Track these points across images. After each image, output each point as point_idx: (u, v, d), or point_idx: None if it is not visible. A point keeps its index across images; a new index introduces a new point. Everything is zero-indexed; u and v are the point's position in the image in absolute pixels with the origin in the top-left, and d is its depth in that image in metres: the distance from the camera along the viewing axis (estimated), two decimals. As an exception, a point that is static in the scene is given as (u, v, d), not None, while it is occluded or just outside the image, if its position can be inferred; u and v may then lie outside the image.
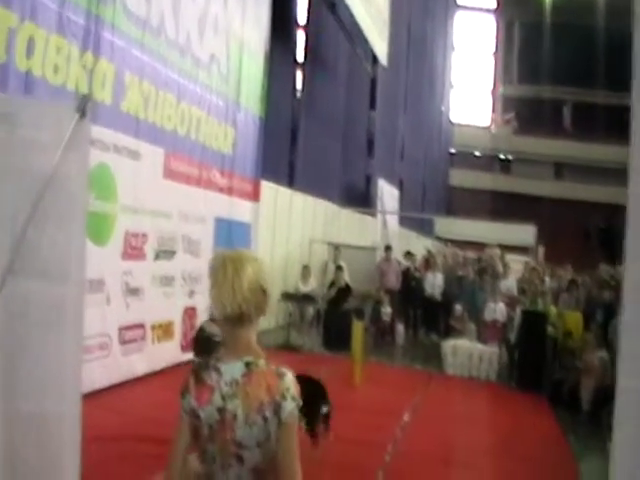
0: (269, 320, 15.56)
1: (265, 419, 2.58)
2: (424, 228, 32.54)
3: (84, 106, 2.77)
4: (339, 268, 15.90)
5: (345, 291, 15.51)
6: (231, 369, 2.66)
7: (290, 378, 2.67)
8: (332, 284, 15.74)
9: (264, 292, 2.71)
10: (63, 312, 2.79)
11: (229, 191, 13.36)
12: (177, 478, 2.70)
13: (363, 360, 11.89)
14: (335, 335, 14.34)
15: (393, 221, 25.27)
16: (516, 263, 19.01)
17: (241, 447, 2.60)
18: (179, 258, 11.64)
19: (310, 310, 15.43)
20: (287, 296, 15.18)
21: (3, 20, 7.39)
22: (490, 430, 10.21)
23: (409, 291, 17.36)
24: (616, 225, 39.76)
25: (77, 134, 2.73)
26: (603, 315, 13.05)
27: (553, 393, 11.81)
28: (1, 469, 2.50)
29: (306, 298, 15.21)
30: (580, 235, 40.13)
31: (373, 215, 23.77)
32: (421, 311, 17.50)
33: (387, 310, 16.38)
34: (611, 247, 30.80)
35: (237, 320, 2.66)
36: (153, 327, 10.93)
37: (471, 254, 20.92)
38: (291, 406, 2.60)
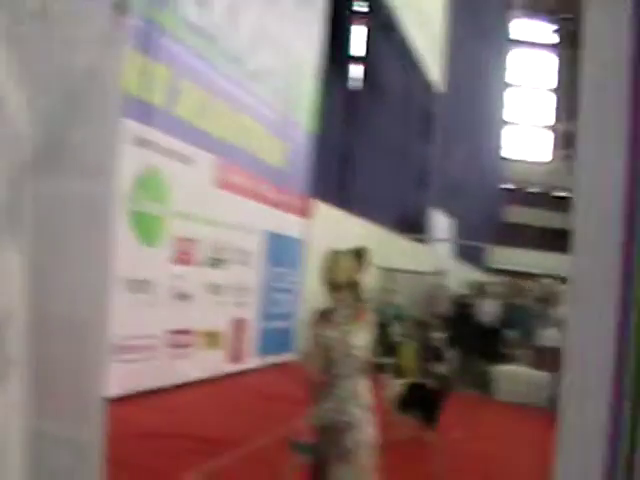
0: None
1: None
2: (478, 260, 32.05)
3: (122, 1, 2.67)
4: (389, 291, 15.65)
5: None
6: None
7: None
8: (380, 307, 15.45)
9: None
10: (98, 211, 2.68)
11: (281, 205, 13.30)
12: None
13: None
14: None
15: (446, 251, 24.96)
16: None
17: None
18: (229, 268, 11.55)
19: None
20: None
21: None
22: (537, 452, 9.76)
23: (462, 318, 16.93)
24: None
25: (114, 30, 2.63)
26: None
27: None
28: (33, 372, 2.38)
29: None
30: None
31: (426, 243, 23.47)
32: (475, 338, 17.02)
33: (438, 335, 15.96)
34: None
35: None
36: (201, 334, 10.82)
37: (527, 285, 20.40)
38: None
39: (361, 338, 4.09)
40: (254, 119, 12.21)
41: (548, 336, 14.08)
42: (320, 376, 4.65)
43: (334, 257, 4.14)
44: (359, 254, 4.11)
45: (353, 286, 4.12)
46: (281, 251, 13.37)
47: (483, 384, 13.95)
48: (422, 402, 8.32)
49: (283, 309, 13.78)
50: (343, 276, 4.07)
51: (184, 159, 10.07)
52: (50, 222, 2.60)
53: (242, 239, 11.93)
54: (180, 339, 10.23)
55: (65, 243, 2.63)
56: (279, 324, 13.61)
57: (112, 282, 2.77)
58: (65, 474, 2.75)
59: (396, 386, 8.72)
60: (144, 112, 8.94)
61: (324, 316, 4.19)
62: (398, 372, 10.64)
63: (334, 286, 4.09)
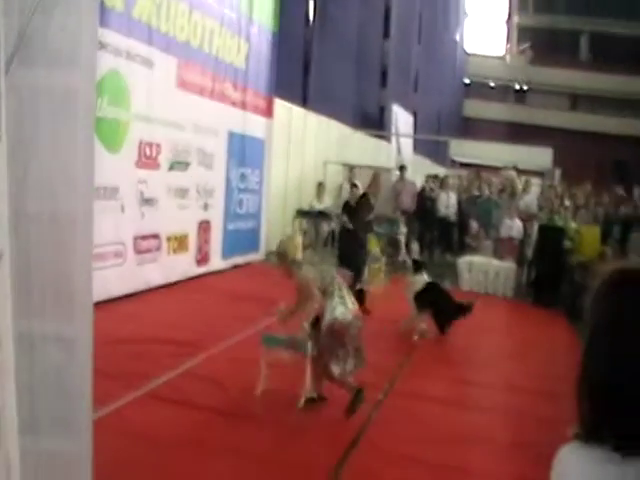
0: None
1: None
2: (438, 155, 32.04)
3: None
4: (354, 186, 15.60)
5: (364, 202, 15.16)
6: None
7: None
8: (347, 203, 15.47)
9: None
10: (74, 101, 2.59)
11: (242, 105, 13.06)
12: None
13: (380, 270, 11.76)
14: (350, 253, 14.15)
15: (407, 147, 24.88)
16: (534, 185, 18.71)
17: None
18: (193, 170, 11.41)
19: (325, 228, 15.23)
20: (301, 213, 15.01)
21: None
22: (508, 338, 10.12)
23: (424, 212, 17.12)
24: (628, 158, 39.29)
25: None
26: (620, 230, 12.82)
27: (570, 307, 11.68)
28: (15, 271, 2.33)
29: (321, 215, 15.01)
30: (594, 165, 39.53)
31: (387, 140, 23.37)
32: (436, 231, 17.30)
33: (402, 230, 16.15)
34: (626, 179, 30.34)
35: None
36: (168, 238, 10.78)
37: (487, 175, 20.60)
38: None
39: None
40: (215, 19, 11.82)
41: (508, 226, 14.33)
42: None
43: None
44: None
45: None
46: (244, 151, 13.21)
47: (448, 275, 14.22)
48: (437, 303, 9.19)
49: (248, 209, 13.74)
50: None
51: (144, 61, 9.76)
52: (26, 113, 2.50)
53: (205, 141, 11.74)
54: (147, 244, 10.18)
55: (42, 135, 2.54)
56: (244, 225, 13.60)
57: (93, 174, 2.70)
58: (56, 372, 2.76)
59: (417, 284, 9.08)
60: (101, 15, 8.58)
61: None
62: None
63: None
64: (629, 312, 1.50)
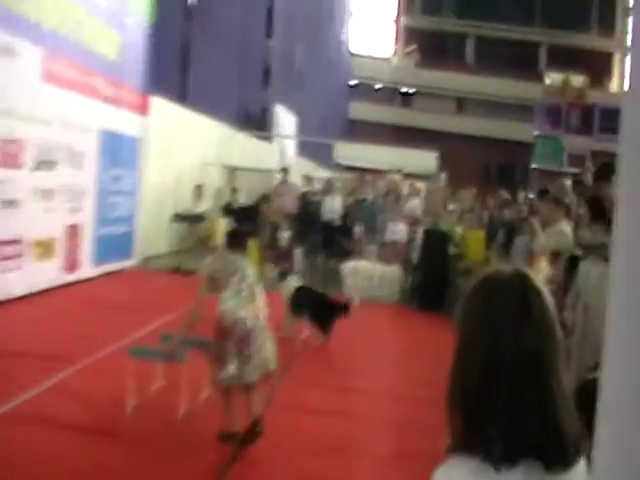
0: (159, 244, 15.20)
1: None
2: (323, 157, 32.34)
3: None
4: (234, 190, 15.56)
5: (247, 211, 15.14)
6: None
7: None
8: (228, 205, 15.39)
9: None
10: None
11: (115, 102, 12.74)
12: None
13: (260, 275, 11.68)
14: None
15: (291, 150, 25.00)
16: (419, 189, 19.14)
17: None
18: (61, 170, 11.01)
19: (202, 232, 15.05)
20: (179, 217, 14.78)
21: None
22: (392, 344, 10.26)
23: (307, 215, 17.18)
24: (513, 162, 41.05)
25: None
26: (505, 234, 13.25)
27: (454, 311, 11.97)
28: None
29: (199, 219, 14.82)
30: (480, 169, 40.93)
31: (270, 141, 23.39)
32: (320, 236, 17.38)
33: (284, 235, 16.14)
34: (509, 183, 31.52)
35: None
36: (32, 244, 10.34)
37: (371, 179, 20.90)
38: None
39: None
40: (86, 8, 11.46)
41: (393, 231, 14.58)
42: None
43: None
44: None
45: None
46: (116, 151, 12.89)
47: (332, 281, 14.30)
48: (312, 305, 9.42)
49: (121, 213, 13.41)
50: None
51: (6, 51, 9.34)
52: None
53: (74, 138, 11.36)
54: (9, 250, 9.74)
55: None
56: (117, 229, 13.26)
57: None
58: None
59: (286, 290, 9.18)
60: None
61: None
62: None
63: None
64: (494, 314, 1.53)
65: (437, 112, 44.42)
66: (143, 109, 13.91)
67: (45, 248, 10.72)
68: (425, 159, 23.40)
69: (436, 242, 13.19)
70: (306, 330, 9.42)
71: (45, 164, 10.54)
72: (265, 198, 15.62)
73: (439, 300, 12.78)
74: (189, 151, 17.23)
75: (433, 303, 12.74)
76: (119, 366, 6.36)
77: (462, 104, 46.36)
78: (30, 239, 10.24)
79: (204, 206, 15.37)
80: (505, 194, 15.38)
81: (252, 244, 12.03)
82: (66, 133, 11.09)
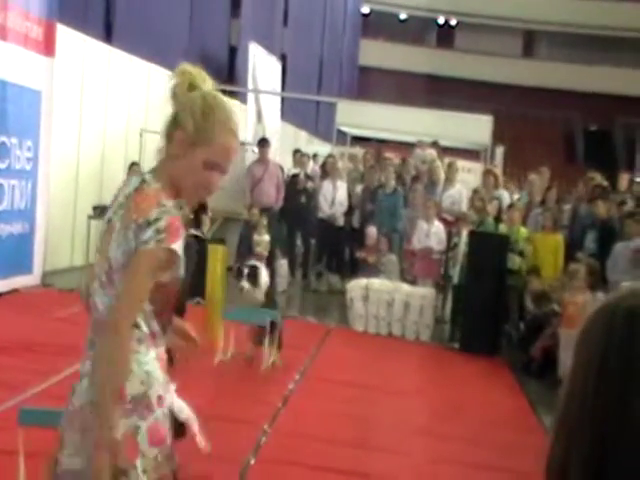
0: (72, 253, 15.05)
1: (127, 239, 3.35)
2: (320, 124, 32.16)
3: None
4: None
5: (198, 204, 15.01)
6: (133, 182, 3.56)
7: (168, 215, 3.36)
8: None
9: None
10: None
11: (3, 35, 12.59)
12: None
13: (223, 306, 11.56)
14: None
15: (273, 112, 24.88)
16: (464, 171, 19.08)
17: (110, 268, 3.43)
18: None
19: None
20: (103, 212, 14.58)
21: None
22: (422, 404, 10.11)
23: (297, 210, 17.08)
24: (612, 130, 40.43)
25: None
26: (597, 238, 13.10)
27: (517, 356, 11.80)
28: None
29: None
30: (558, 140, 40.85)
31: (241, 100, 23.27)
32: (316, 240, 17.29)
33: (263, 239, 16.04)
34: (605, 160, 31.27)
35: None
36: None
37: (393, 156, 20.79)
38: (150, 236, 3.29)
39: None
40: None
41: (425, 233, 14.44)
42: None
43: None
44: None
45: None
46: (5, 110, 12.75)
47: (331, 308, 14.21)
48: None
49: (13, 204, 13.25)
50: None
51: None
52: None
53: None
54: None
55: None
56: (6, 229, 13.11)
57: None
58: None
59: None
60: None
61: None
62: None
63: None
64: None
65: (493, 54, 44.19)
66: (47, 46, 13.75)
67: None
68: (473, 126, 23.22)
69: (489, 250, 13.03)
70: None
71: None
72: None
73: (493, 338, 12.64)
74: (119, 112, 17.09)
75: (484, 343, 12.58)
76: (5, 435, 6.27)
77: (532, 40, 46.16)
78: None
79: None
80: (598, 177, 15.24)
81: (217, 250, 11.93)
82: None
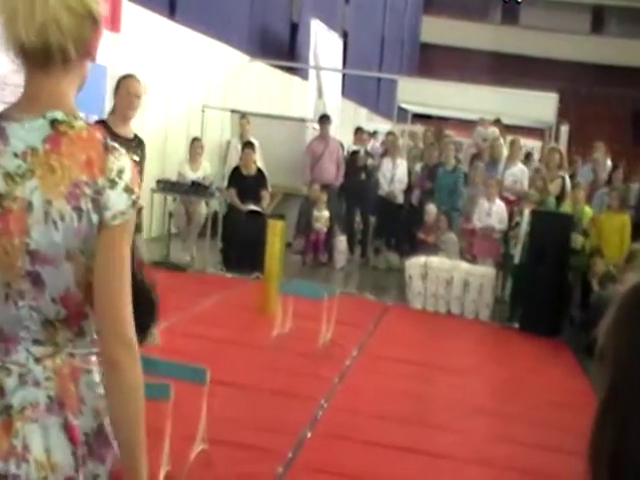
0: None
1: (80, 212, 2.36)
2: (380, 102, 32.03)
3: None
4: (248, 146, 15.41)
5: (258, 180, 15.04)
6: (26, 131, 2.40)
7: (127, 158, 2.48)
8: (236, 170, 15.27)
9: (91, 15, 2.44)
10: None
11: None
12: None
13: (281, 281, 11.58)
14: (240, 248, 13.98)
15: (333, 89, 24.83)
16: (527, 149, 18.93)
17: (37, 260, 2.36)
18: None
19: (202, 209, 14.95)
20: (166, 186, 14.67)
21: None
22: (481, 386, 10.08)
23: (357, 187, 17.05)
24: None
25: None
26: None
27: (580, 338, 11.70)
28: None
29: (196, 189, 14.70)
30: (625, 119, 40.37)
31: (303, 76, 23.24)
32: (375, 217, 17.25)
33: (323, 215, 16.06)
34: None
35: (42, 57, 2.40)
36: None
37: (454, 134, 20.67)
38: (122, 200, 2.40)
39: None
40: None
41: (486, 212, 14.35)
42: None
43: None
44: None
45: None
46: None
47: (390, 285, 14.18)
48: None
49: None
50: None
51: None
52: None
53: None
54: None
55: None
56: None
57: None
58: None
59: None
60: None
61: None
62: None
63: None
64: None
65: (560, 30, 43.66)
66: (113, 22, 13.83)
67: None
68: (538, 104, 23.03)
69: (552, 230, 12.91)
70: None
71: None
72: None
73: (554, 319, 12.54)
74: (181, 88, 17.15)
75: (545, 323, 12.48)
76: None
77: (601, 16, 45.61)
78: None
79: (203, 170, 15.26)
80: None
81: (276, 225, 11.95)
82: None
